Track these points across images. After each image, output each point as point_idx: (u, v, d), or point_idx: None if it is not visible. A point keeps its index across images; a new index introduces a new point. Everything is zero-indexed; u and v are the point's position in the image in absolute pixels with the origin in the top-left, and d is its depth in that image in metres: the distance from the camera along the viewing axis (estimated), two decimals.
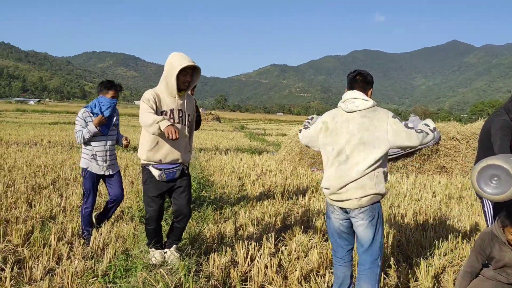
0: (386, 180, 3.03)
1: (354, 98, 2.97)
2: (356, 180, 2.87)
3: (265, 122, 56.41)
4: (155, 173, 3.67)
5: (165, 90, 3.63)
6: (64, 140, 14.71)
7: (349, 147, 2.89)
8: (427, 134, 2.92)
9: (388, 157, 10.40)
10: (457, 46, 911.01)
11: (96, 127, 4.45)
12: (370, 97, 2.99)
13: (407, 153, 10.62)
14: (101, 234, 4.40)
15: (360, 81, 3.03)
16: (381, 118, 2.88)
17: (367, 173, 2.87)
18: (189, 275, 3.23)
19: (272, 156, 13.38)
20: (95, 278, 3.43)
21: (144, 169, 3.74)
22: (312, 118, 3.52)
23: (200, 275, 3.56)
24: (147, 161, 3.68)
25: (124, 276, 3.45)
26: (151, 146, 3.62)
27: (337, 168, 2.94)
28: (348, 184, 2.88)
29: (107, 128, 4.59)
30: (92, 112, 4.52)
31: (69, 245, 4.17)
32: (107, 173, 4.61)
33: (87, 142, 4.52)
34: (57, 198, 5.94)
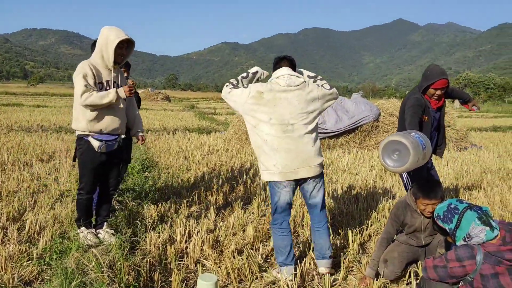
0: None
1: (289, 75, 3.32)
2: (308, 149, 3.24)
3: (216, 101, 56.10)
4: (95, 144, 3.68)
5: (101, 63, 3.70)
6: (2, 123, 14.05)
7: (293, 118, 3.22)
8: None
9: (331, 135, 10.78)
10: (402, 25, 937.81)
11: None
12: None
13: (349, 130, 11.01)
14: (37, 218, 4.36)
15: (288, 61, 3.45)
16: (312, 89, 3.33)
17: (313, 140, 3.29)
18: (122, 253, 3.30)
19: (220, 136, 13.45)
20: (30, 261, 3.43)
21: (81, 140, 3.73)
22: (248, 75, 3.63)
23: (136, 253, 3.64)
24: (85, 131, 3.69)
25: (59, 258, 3.46)
26: (91, 116, 3.64)
27: (286, 142, 3.20)
28: (304, 155, 3.21)
29: None
30: None
31: (4, 230, 4.11)
32: None
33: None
34: None
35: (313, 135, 3.33)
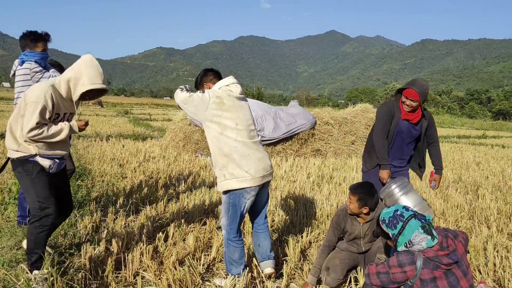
0: None
1: (236, 83, 3.42)
2: (266, 154, 3.38)
3: (151, 107, 54.92)
4: (46, 163, 3.19)
5: (65, 92, 3.20)
6: None
7: (252, 124, 3.35)
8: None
9: (268, 142, 10.90)
10: (335, 36, 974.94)
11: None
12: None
13: (286, 138, 11.20)
14: None
15: (218, 76, 3.52)
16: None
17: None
18: (54, 268, 3.09)
19: (156, 142, 13.15)
20: None
21: (28, 161, 3.16)
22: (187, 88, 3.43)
23: (70, 267, 3.43)
24: (30, 153, 3.15)
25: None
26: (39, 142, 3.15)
27: (254, 147, 3.27)
28: (267, 160, 3.35)
29: None
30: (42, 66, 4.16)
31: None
32: None
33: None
34: None
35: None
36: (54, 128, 3.16)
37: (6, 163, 3.49)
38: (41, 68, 4.14)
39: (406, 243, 2.27)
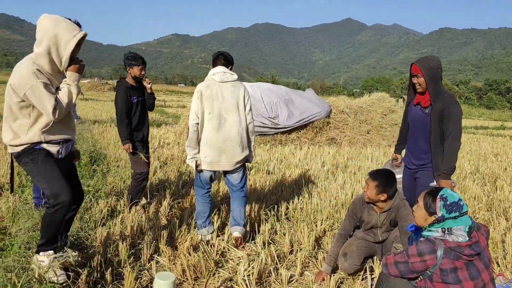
0: None
1: (223, 72, 3.84)
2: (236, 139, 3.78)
3: (166, 94, 55.07)
4: (53, 149, 3.02)
5: (49, 67, 2.86)
6: None
7: (225, 111, 3.76)
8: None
9: (283, 130, 10.84)
10: (351, 24, 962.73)
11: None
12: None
13: (301, 126, 11.13)
14: None
15: (222, 59, 3.96)
16: (241, 90, 3.85)
17: (240, 133, 3.80)
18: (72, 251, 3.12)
19: (170, 129, 13.18)
20: None
21: (33, 150, 2.95)
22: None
23: (86, 250, 3.46)
24: (34, 142, 2.95)
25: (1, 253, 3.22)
26: (42, 126, 2.92)
27: (217, 133, 3.75)
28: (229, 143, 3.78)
29: None
30: None
31: None
32: None
33: None
34: None
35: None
36: (64, 94, 2.89)
37: (12, 163, 3.24)
38: None
39: (445, 229, 2.20)
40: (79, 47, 2.95)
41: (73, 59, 2.93)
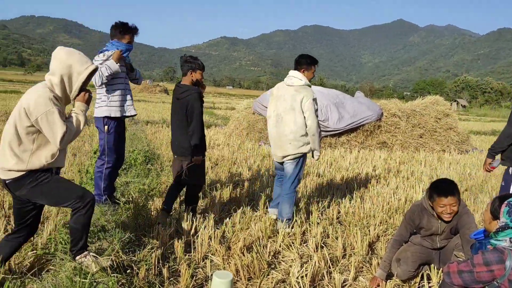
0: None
1: (292, 76, 4.38)
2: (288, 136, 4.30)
3: (214, 96, 55.97)
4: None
5: (61, 95, 2.93)
6: (1, 110, 13.91)
7: (283, 111, 4.31)
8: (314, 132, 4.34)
9: (333, 133, 10.73)
10: (402, 25, 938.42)
11: (117, 63, 4.20)
12: (306, 75, 4.36)
13: (351, 129, 10.97)
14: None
15: (296, 62, 4.44)
16: (300, 95, 4.23)
17: (294, 132, 4.27)
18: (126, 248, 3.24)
19: (220, 130, 13.38)
20: (34, 251, 3.36)
21: (35, 171, 2.90)
22: None
23: (142, 247, 3.58)
24: (38, 168, 2.90)
25: (65, 249, 3.39)
26: (51, 158, 2.92)
27: (275, 129, 4.40)
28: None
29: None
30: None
31: (6, 219, 4.03)
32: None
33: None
34: None
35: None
36: (74, 122, 2.95)
37: (9, 189, 2.96)
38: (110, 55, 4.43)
39: None
40: (90, 79, 3.06)
41: (83, 89, 3.01)
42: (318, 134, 4.33)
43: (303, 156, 4.43)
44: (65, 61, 2.89)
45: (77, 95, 3.00)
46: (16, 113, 2.85)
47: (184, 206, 4.55)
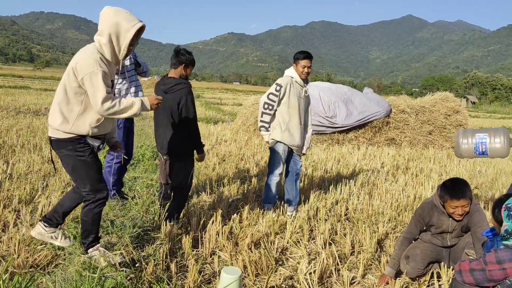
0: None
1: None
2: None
3: (221, 92, 55.96)
4: (96, 144, 3.10)
5: (110, 56, 2.94)
6: (10, 105, 14.01)
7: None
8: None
9: (341, 129, 10.67)
10: (411, 21, 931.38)
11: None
12: (295, 69, 4.58)
13: (359, 125, 10.91)
14: (50, 201, 4.30)
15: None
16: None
17: None
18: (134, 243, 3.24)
19: (227, 126, 13.37)
20: (44, 246, 3.37)
21: (79, 141, 2.99)
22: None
23: (151, 242, 3.58)
24: (83, 134, 3.00)
25: (74, 243, 3.40)
26: (93, 121, 2.98)
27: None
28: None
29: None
30: None
31: (16, 213, 4.05)
32: None
33: None
34: (3, 165, 5.71)
35: None
36: (125, 102, 2.93)
37: (52, 146, 3.12)
38: None
39: None
40: (138, 38, 3.05)
41: (131, 48, 3.02)
42: (259, 112, 4.58)
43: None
44: (112, 19, 2.87)
45: (126, 54, 2.99)
46: (66, 73, 2.92)
47: (166, 214, 4.02)
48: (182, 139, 3.92)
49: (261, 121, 4.52)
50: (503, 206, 2.24)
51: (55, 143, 3.02)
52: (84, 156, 3.00)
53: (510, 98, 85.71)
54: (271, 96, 4.46)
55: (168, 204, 3.99)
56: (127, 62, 4.62)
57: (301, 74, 4.52)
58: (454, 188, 2.98)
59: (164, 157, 3.94)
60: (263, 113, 4.50)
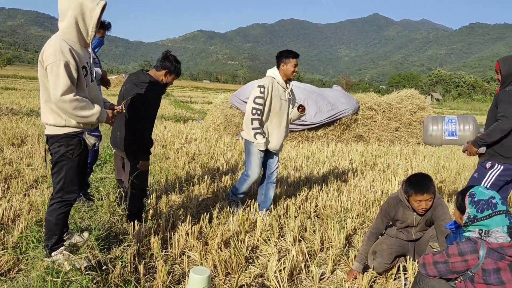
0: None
1: None
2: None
3: (191, 90, 55.54)
4: (91, 141, 3.05)
5: (77, 40, 2.84)
6: None
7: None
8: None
9: (310, 127, 10.77)
10: (378, 20, 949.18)
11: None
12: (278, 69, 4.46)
13: (328, 123, 11.04)
14: (11, 205, 4.16)
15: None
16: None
17: None
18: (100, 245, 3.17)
19: (197, 124, 13.28)
20: (5, 250, 3.25)
21: (73, 138, 2.95)
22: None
23: (118, 243, 3.51)
24: (77, 128, 2.95)
25: (37, 247, 3.30)
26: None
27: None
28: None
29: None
30: None
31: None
32: None
33: None
34: None
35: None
36: (88, 102, 2.85)
37: (48, 142, 3.07)
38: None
39: (482, 231, 2.14)
40: (101, 17, 2.91)
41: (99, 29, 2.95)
42: (248, 119, 4.37)
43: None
44: (75, 2, 2.76)
45: (94, 36, 2.91)
46: (38, 70, 2.85)
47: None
48: (133, 137, 3.71)
49: (253, 128, 4.29)
50: (467, 193, 2.30)
51: (50, 139, 2.99)
52: (72, 155, 2.97)
53: (472, 95, 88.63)
54: (257, 100, 4.27)
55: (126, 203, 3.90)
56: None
57: (291, 74, 4.39)
58: (418, 183, 3.05)
59: (114, 150, 3.88)
60: (252, 119, 4.29)
